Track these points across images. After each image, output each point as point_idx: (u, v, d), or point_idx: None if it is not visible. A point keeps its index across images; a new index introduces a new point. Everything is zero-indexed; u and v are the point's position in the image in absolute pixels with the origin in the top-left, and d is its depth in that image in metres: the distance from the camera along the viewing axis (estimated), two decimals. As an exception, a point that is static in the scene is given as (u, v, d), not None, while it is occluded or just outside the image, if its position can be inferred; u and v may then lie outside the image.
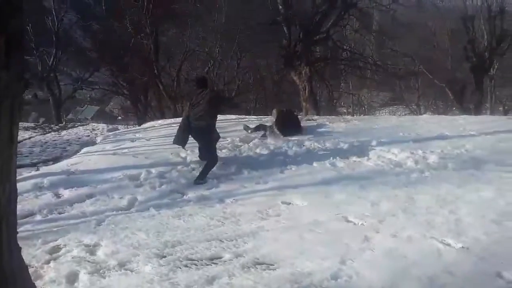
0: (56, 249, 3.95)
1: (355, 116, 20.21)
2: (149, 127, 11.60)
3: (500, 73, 26.49)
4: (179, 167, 6.70)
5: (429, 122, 10.26)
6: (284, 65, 15.37)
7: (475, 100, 20.41)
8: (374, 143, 7.65)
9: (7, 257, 2.12)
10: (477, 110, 19.92)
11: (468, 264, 3.28)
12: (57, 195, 5.57)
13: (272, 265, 3.44)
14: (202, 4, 20.09)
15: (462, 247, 3.54)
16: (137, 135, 9.94)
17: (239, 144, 8.09)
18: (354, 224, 4.23)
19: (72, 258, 3.76)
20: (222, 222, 4.45)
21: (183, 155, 7.36)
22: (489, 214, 4.18)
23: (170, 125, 11.13)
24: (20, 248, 2.31)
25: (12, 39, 1.92)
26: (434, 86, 27.67)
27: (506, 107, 29.24)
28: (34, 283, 2.67)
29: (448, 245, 3.59)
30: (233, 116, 12.42)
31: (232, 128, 9.87)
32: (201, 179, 6.12)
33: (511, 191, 4.83)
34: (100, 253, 3.81)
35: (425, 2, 14.47)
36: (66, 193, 5.60)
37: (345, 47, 16.60)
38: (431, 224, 4.04)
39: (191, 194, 5.54)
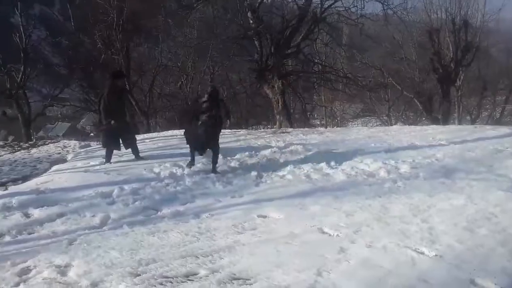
0: (26, 270, 3.80)
1: (328, 128, 20.41)
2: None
3: (466, 83, 27.26)
4: (152, 183, 6.59)
5: (399, 133, 10.48)
6: (257, 79, 15.48)
7: (443, 110, 20.94)
8: (347, 154, 7.73)
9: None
10: (445, 119, 20.44)
11: (442, 272, 3.31)
12: (27, 215, 5.37)
13: (248, 279, 3.39)
14: (173, 19, 20.05)
15: (436, 255, 3.59)
16: (109, 151, 9.73)
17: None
18: (330, 235, 4.23)
19: (43, 279, 3.62)
20: (197, 237, 4.38)
21: (156, 170, 7.27)
22: (461, 222, 4.26)
23: (142, 141, 11.00)
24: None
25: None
26: (403, 97, 28.31)
27: (473, 117, 30.06)
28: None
29: (422, 253, 3.63)
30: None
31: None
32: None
33: (481, 198, 4.94)
34: (72, 274, 3.68)
35: (391, 15, 14.90)
36: (35, 213, 5.41)
37: (316, 61, 16.85)
38: (405, 233, 4.09)
39: (165, 210, 5.44)
